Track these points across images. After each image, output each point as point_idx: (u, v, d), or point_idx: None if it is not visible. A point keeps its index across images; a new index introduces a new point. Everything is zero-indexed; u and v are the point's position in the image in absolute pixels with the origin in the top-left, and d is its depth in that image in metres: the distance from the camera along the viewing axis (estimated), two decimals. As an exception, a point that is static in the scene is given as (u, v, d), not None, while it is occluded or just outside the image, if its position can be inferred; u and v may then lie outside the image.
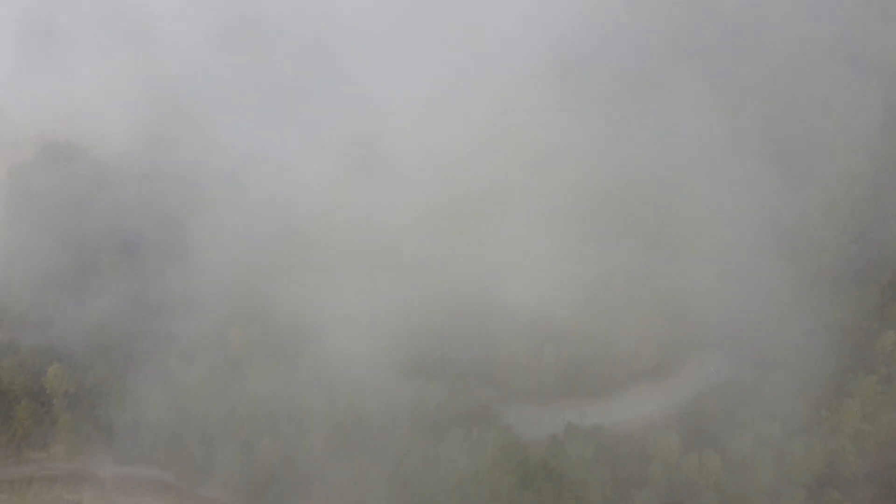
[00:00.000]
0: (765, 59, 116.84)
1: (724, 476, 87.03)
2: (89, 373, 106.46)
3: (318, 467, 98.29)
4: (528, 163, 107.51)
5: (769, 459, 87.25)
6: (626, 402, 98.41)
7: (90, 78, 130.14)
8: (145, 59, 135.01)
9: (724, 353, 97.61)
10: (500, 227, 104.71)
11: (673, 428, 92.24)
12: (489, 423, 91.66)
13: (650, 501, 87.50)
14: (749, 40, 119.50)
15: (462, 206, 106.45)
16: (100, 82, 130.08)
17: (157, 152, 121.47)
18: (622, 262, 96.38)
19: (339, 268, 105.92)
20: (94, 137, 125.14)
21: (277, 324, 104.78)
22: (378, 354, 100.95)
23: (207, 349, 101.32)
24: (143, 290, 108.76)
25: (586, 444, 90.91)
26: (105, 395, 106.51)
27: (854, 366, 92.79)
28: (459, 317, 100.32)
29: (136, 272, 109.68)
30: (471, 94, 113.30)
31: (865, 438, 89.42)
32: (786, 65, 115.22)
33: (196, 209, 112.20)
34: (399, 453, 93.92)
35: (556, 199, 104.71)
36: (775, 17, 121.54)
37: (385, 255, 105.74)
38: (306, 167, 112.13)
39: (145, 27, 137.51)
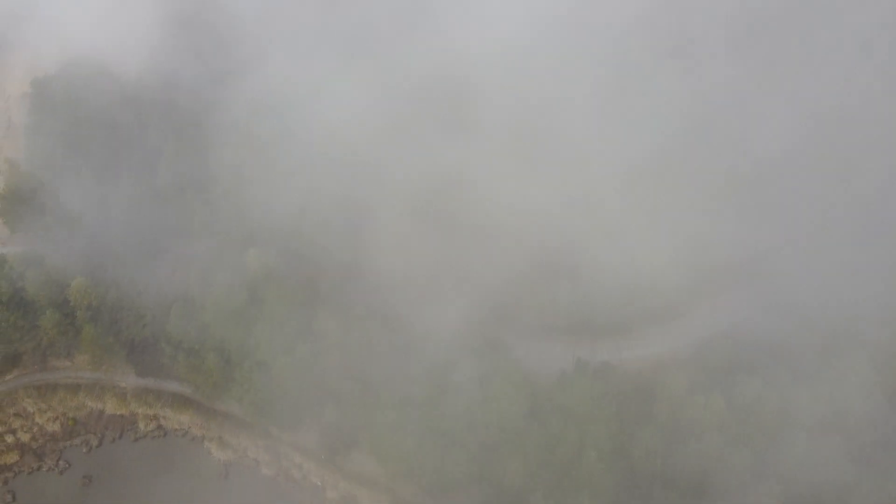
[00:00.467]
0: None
1: (727, 417, 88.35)
2: (111, 288, 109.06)
3: (331, 388, 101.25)
4: (611, 114, 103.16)
5: (774, 403, 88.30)
6: (636, 341, 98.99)
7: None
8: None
9: (739, 297, 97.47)
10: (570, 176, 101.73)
11: (681, 369, 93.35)
12: (499, 356, 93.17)
13: (653, 438, 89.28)
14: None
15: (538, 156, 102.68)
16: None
17: (198, 78, 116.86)
18: (644, 199, 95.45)
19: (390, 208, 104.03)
20: (123, 56, 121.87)
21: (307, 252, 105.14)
22: (399, 284, 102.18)
23: (226, 270, 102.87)
24: (165, 210, 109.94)
25: (594, 380, 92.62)
26: (126, 310, 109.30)
27: (872, 315, 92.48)
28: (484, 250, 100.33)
29: (158, 193, 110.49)
30: (570, 45, 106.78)
31: (873, 388, 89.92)
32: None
33: (229, 139, 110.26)
34: (410, 379, 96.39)
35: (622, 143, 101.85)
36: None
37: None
38: (374, 109, 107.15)
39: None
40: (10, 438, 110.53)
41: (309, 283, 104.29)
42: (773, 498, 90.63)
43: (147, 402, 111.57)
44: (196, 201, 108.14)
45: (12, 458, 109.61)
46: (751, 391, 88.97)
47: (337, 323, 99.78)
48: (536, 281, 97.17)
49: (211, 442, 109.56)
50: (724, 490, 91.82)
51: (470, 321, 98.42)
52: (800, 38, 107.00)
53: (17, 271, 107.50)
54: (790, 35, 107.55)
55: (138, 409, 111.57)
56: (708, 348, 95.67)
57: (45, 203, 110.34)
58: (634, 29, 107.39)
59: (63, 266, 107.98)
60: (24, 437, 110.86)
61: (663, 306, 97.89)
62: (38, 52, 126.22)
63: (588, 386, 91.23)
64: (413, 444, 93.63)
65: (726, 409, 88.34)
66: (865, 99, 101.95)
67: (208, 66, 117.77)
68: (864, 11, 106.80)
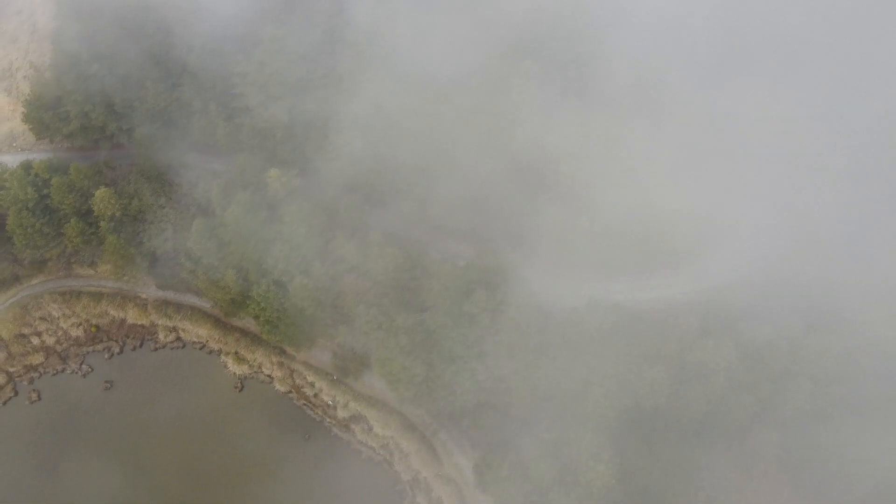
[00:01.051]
0: None
1: (736, 362, 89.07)
2: (134, 200, 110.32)
3: (345, 311, 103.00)
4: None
5: (784, 350, 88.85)
6: (651, 282, 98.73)
7: None
8: None
9: (759, 244, 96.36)
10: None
11: (693, 312, 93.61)
12: (514, 287, 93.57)
13: (659, 377, 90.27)
14: None
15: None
16: None
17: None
18: (669, 141, 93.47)
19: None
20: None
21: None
22: (415, 213, 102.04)
23: (247, 188, 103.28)
24: (189, 123, 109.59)
25: (606, 318, 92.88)
26: (148, 222, 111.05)
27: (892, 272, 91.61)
28: (496, 179, 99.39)
29: (182, 105, 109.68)
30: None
31: (885, 343, 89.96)
32: None
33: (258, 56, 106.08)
34: (425, 305, 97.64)
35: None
36: None
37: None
38: (455, 47, 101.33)
39: None
40: (35, 340, 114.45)
41: (329, 206, 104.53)
42: (771, 444, 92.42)
43: (167, 313, 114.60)
44: (219, 117, 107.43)
45: (38, 359, 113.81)
46: (761, 338, 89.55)
47: (354, 247, 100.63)
48: (555, 216, 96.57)
49: (227, 356, 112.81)
50: (724, 432, 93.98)
51: (485, 248, 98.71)
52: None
53: (42, 178, 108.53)
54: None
55: (158, 320, 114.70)
56: (723, 293, 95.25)
57: (69, 111, 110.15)
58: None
59: (87, 175, 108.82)
60: (50, 341, 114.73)
61: (681, 249, 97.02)
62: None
63: (599, 323, 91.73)
64: (423, 370, 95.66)
65: (735, 353, 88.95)
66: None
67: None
68: None
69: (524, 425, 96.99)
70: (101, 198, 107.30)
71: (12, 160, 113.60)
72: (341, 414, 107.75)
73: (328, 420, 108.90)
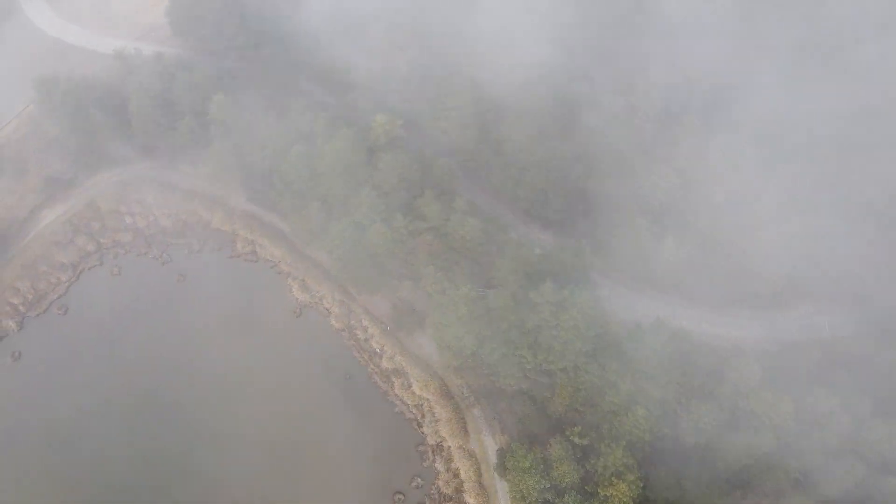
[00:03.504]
0: None
1: (791, 423, 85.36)
2: (246, 112, 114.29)
3: (415, 267, 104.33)
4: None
5: (845, 427, 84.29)
6: (724, 318, 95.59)
7: None
8: None
9: (848, 313, 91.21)
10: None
11: (759, 361, 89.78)
12: (583, 287, 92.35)
13: (707, 417, 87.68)
14: None
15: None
16: None
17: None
18: (785, 179, 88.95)
19: None
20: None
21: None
22: (506, 190, 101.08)
23: (352, 126, 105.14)
24: (313, 53, 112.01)
25: (668, 342, 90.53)
26: (254, 136, 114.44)
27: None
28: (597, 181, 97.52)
29: (307, 32, 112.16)
30: None
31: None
32: None
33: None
34: (492, 282, 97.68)
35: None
36: None
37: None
38: None
39: None
40: (128, 220, 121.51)
41: (425, 163, 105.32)
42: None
43: (249, 226, 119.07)
44: (342, 53, 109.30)
45: (126, 237, 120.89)
46: (824, 407, 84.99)
47: (439, 208, 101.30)
48: (643, 229, 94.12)
49: (294, 281, 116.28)
50: (757, 489, 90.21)
51: (564, 243, 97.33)
52: None
53: (169, 72, 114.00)
54: None
55: (240, 231, 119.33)
56: (796, 350, 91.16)
57: (206, 15, 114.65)
58: None
59: (211, 80, 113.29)
60: (141, 223, 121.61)
61: (765, 293, 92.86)
62: None
63: (659, 345, 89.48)
64: (474, 344, 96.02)
65: (792, 414, 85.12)
66: None
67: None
68: None
69: (558, 424, 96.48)
70: (218, 103, 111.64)
71: (148, 49, 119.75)
72: (385, 364, 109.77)
73: (371, 367, 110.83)
